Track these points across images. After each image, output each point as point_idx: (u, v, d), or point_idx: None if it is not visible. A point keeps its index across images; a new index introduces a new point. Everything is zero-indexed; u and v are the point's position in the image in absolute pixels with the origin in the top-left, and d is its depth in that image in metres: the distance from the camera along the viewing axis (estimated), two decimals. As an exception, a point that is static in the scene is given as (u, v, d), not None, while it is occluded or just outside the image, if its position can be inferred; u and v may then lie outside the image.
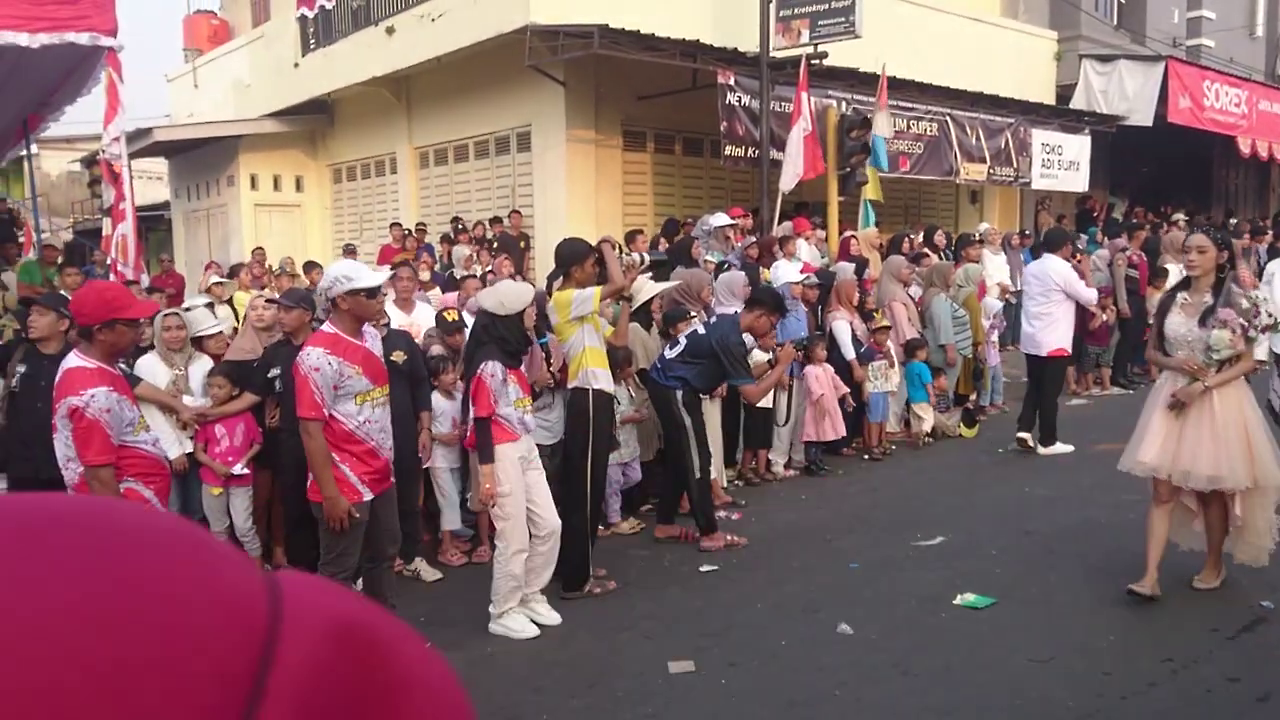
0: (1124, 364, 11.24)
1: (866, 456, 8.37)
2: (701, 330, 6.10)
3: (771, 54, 11.21)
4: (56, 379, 3.73)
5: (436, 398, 5.93)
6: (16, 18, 6.89)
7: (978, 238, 10.91)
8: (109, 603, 0.40)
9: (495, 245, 11.93)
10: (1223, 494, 4.71)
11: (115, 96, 7.51)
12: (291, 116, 16.93)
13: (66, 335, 5.10)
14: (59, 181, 31.74)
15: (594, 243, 5.48)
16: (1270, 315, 4.74)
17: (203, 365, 5.71)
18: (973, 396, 9.60)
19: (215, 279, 10.10)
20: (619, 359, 6.07)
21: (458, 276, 9.51)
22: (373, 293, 4.26)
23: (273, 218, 17.51)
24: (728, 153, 11.46)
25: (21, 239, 13.17)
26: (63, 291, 8.23)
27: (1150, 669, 4.12)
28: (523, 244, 12.53)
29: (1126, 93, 16.97)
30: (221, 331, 6.12)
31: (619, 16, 10.62)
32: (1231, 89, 18.19)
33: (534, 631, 4.76)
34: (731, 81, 11.29)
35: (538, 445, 5.50)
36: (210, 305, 6.97)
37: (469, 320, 5.85)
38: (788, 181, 11.00)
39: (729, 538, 6.05)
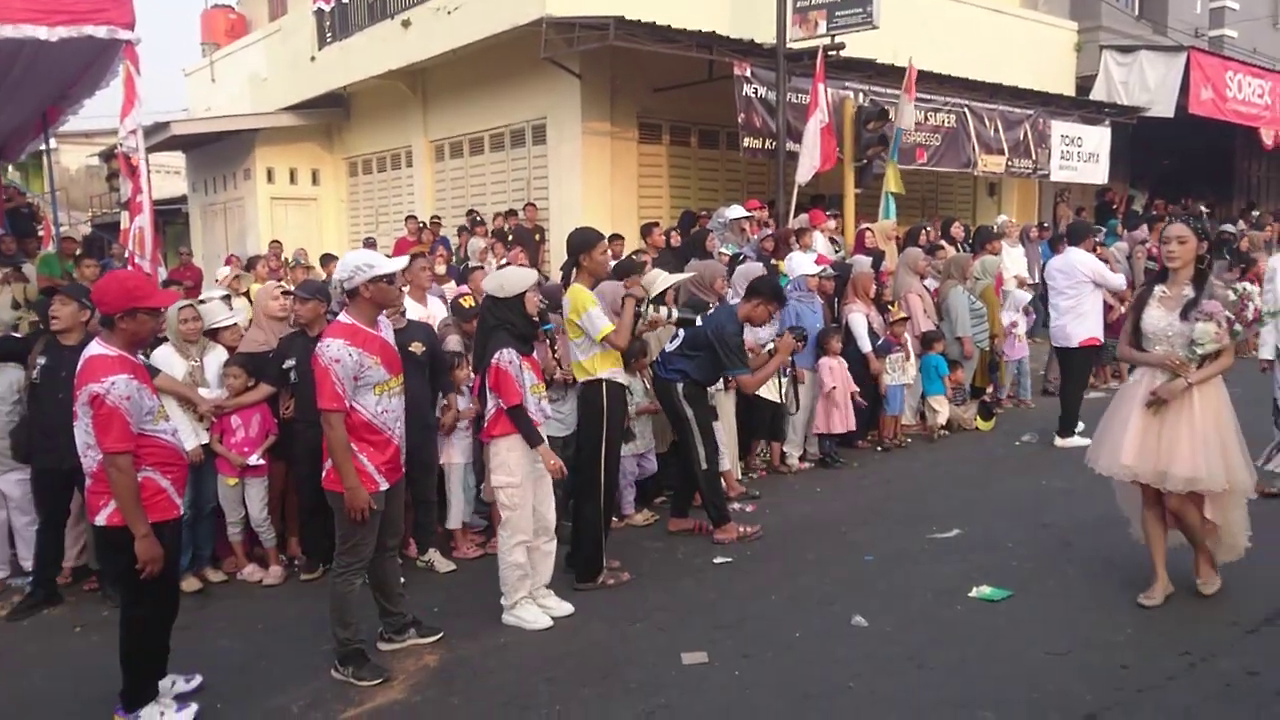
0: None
1: (881, 449, 8.34)
2: (699, 322, 6.09)
3: (788, 45, 11.14)
4: (78, 367, 3.76)
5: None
6: (35, 11, 6.92)
7: (997, 230, 10.83)
8: None
9: (510, 238, 11.94)
10: (1195, 495, 4.56)
11: (132, 90, 7.54)
12: (308, 110, 17.00)
13: (87, 326, 5.15)
14: (78, 176, 32.01)
15: (606, 234, 5.47)
16: (1257, 309, 4.63)
17: (218, 356, 5.74)
18: (989, 389, 9.53)
19: (230, 272, 10.15)
20: (633, 350, 6.06)
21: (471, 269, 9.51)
22: (393, 279, 4.31)
23: (289, 211, 17.59)
24: (746, 144, 11.41)
25: (41, 233, 13.25)
26: (82, 284, 8.30)
27: (1168, 663, 4.08)
28: (538, 237, 12.53)
29: (1148, 84, 16.78)
30: (237, 323, 6.14)
31: (634, 8, 10.58)
32: (1255, 80, 17.96)
33: (547, 622, 4.76)
34: (748, 73, 11.24)
35: (552, 437, 5.52)
36: (227, 297, 7.00)
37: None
38: (804, 173, 10.95)
39: (742, 529, 6.03)
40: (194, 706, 4.00)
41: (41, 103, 10.06)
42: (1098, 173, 16.23)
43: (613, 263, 7.12)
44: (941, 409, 8.75)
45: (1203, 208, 15.72)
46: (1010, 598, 4.88)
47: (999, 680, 4.00)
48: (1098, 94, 17.00)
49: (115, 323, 3.79)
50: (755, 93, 11.35)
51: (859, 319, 8.18)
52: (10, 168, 17.06)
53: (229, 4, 21.89)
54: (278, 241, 14.13)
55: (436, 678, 4.29)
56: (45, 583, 5.38)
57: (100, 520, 3.78)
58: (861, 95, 12.14)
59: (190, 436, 5.34)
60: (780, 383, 7.21)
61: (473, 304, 6.19)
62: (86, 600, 5.48)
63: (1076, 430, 8.08)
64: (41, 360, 5.20)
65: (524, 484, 4.70)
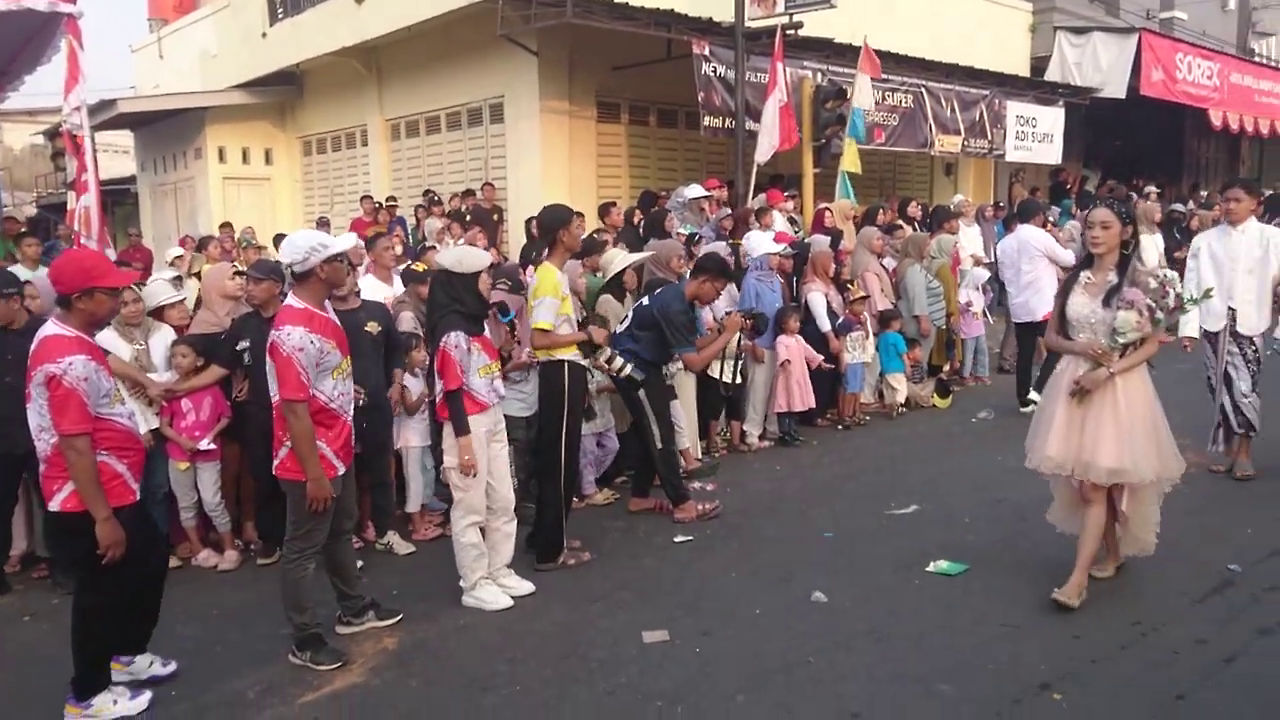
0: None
1: (841, 427, 8.40)
2: (645, 301, 6.07)
3: (747, 24, 11.10)
4: (33, 347, 3.65)
5: (405, 376, 5.86)
6: (-30, -17, 6.71)
7: (954, 210, 10.91)
8: None
9: (468, 218, 11.82)
10: (1115, 487, 4.47)
11: (76, 65, 7.31)
12: (260, 88, 16.66)
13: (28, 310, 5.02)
14: (22, 155, 31.16)
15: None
16: (1178, 296, 4.49)
17: (164, 337, 5.61)
18: (946, 367, 9.64)
19: (183, 253, 9.94)
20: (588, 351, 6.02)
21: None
22: (343, 257, 4.29)
23: (241, 191, 17.25)
24: (706, 123, 11.36)
25: (-16, 214, 12.87)
26: (21, 264, 8.09)
27: (1120, 632, 4.16)
28: (496, 217, 12.41)
29: (1100, 65, 17.00)
30: (183, 300, 6.01)
31: (592, -15, 10.48)
32: (1204, 61, 18.27)
33: (507, 602, 4.74)
34: (706, 52, 11.19)
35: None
36: (178, 278, 6.84)
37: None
38: (763, 153, 10.94)
39: (701, 506, 6.05)
40: (148, 693, 3.93)
41: (-20, 79, 9.76)
42: (1052, 153, 16.42)
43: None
44: (900, 387, 8.83)
45: (1153, 188, 15.92)
46: (967, 572, 4.95)
47: (956, 652, 4.06)
48: (1052, 75, 17.18)
49: (73, 302, 3.69)
50: (714, 71, 11.30)
51: (818, 298, 8.21)
52: (-50, 147, 16.54)
53: (177, -22, 21.36)
54: (228, 224, 13.88)
55: (395, 660, 4.25)
56: (-8, 571, 5.25)
57: (54, 505, 3.68)
58: (820, 75, 12.15)
59: (140, 421, 5.21)
60: (723, 364, 7.19)
61: (424, 268, 6.10)
62: (35, 588, 5.36)
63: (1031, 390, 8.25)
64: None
65: (477, 465, 4.66)
